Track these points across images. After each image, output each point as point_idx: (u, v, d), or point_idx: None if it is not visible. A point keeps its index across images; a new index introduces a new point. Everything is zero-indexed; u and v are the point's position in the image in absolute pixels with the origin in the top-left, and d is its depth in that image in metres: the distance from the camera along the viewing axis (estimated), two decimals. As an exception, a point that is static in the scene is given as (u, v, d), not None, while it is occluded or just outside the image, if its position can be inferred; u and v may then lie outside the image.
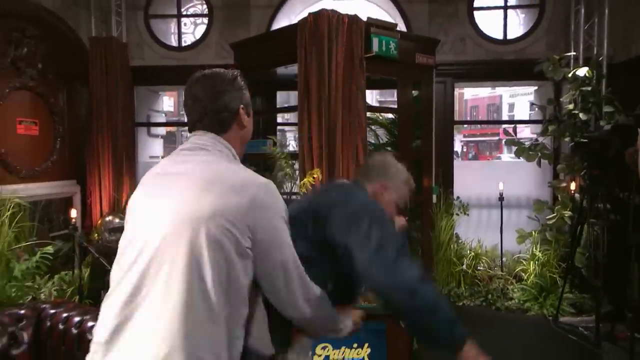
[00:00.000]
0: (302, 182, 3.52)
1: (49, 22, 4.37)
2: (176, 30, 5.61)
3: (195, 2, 5.85)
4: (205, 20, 5.48)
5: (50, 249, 3.46)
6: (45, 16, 4.32)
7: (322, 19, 3.46)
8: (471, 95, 24.79)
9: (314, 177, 3.49)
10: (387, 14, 5.36)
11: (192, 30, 6.19)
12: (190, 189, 1.19)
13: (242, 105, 1.34)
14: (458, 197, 4.80)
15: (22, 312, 2.37)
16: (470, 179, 5.18)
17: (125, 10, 5.21)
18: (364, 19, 3.67)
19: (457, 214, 4.76)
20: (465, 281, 4.56)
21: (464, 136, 24.20)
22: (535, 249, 4.47)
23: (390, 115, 4.88)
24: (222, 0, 5.32)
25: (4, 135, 3.97)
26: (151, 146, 6.16)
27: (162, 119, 6.77)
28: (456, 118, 23.02)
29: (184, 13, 5.74)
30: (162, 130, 6.54)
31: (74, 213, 3.65)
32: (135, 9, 5.37)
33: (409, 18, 5.08)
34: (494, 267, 4.71)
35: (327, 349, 2.30)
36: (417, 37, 4.52)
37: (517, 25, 5.36)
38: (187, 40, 5.74)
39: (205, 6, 5.43)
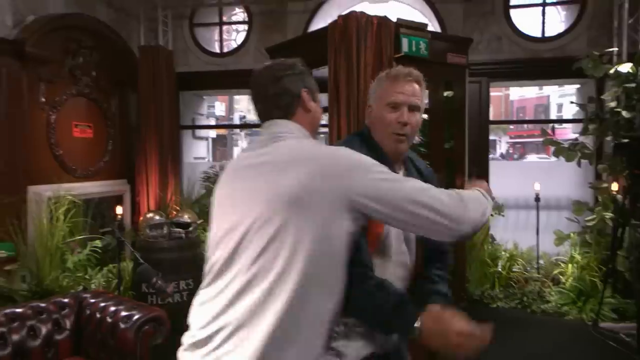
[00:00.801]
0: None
1: (102, 33, 4.59)
2: (219, 38, 5.75)
3: (238, 10, 5.97)
4: (246, 27, 5.57)
5: (98, 243, 3.63)
6: (98, 28, 4.55)
7: (351, 20, 3.43)
8: (518, 96, 23.84)
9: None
10: (422, 15, 5.24)
11: (235, 37, 6.32)
12: (273, 172, 1.13)
13: (304, 89, 1.27)
14: (493, 198, 4.61)
15: (66, 300, 2.50)
16: (507, 180, 4.97)
17: (172, 20, 5.40)
18: (395, 20, 3.60)
19: (492, 215, 4.58)
20: (500, 283, 4.38)
21: (510, 137, 23.31)
22: (575, 251, 4.22)
23: (425, 116, 4.75)
24: (261, 7, 5.39)
25: (62, 138, 4.21)
26: (197, 148, 6.34)
27: (209, 121, 6.95)
28: (500, 118, 22.23)
29: (226, 21, 5.87)
30: (207, 133, 6.72)
31: (119, 210, 3.82)
32: (181, 18, 5.55)
33: (443, 18, 4.95)
34: (530, 269, 4.49)
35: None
36: (448, 37, 4.39)
37: (558, 22, 5.09)
38: (231, 46, 5.87)
39: (246, 14, 5.53)
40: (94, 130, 4.61)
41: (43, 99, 4.01)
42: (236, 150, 18.79)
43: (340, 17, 3.51)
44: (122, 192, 4.97)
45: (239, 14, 5.96)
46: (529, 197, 4.80)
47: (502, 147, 23.29)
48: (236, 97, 16.36)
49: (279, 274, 1.04)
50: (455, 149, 4.21)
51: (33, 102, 3.92)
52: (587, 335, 3.69)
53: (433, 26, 5.00)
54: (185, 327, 1.18)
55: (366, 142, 1.39)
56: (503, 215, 4.64)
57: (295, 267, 1.04)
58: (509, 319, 4.06)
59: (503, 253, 4.42)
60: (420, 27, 3.71)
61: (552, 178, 4.84)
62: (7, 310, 2.30)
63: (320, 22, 5.35)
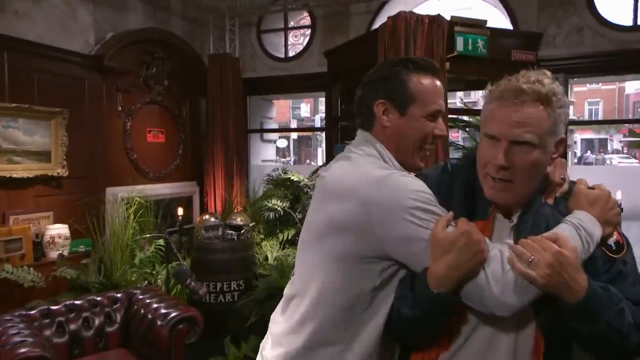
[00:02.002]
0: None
1: (174, 45, 4.92)
2: (284, 42, 5.89)
3: (305, 14, 6.06)
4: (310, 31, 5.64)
5: (161, 241, 3.91)
6: (170, 39, 4.89)
7: (399, 21, 3.33)
8: (634, 90, 21.44)
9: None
10: (494, 8, 4.92)
11: (302, 41, 6.43)
12: (315, 199, 1.15)
13: (380, 100, 1.11)
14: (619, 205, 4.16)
15: (119, 295, 2.72)
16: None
17: (240, 27, 5.63)
18: (449, 18, 3.43)
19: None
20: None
21: (624, 136, 21.07)
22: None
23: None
24: (324, 11, 5.43)
25: (137, 143, 4.59)
26: (265, 151, 6.55)
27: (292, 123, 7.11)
28: (613, 114, 20.01)
29: (292, 26, 5.99)
30: (274, 136, 6.91)
31: (180, 211, 4.08)
32: (249, 25, 5.77)
33: (514, 10, 4.59)
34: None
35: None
36: (514, 33, 4.08)
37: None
38: (297, 50, 5.98)
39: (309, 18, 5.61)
40: (166, 135, 4.96)
41: (120, 108, 4.40)
42: (320, 152, 19.12)
43: (389, 18, 3.42)
44: (192, 193, 5.30)
45: (307, 19, 6.06)
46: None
47: (614, 145, 21.26)
48: (321, 98, 16.66)
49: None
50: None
51: (111, 111, 4.32)
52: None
53: (503, 20, 4.68)
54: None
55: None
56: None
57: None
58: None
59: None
60: (478, 24, 3.50)
61: (635, 184, 4.30)
62: (67, 302, 2.57)
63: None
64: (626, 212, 4.16)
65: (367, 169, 1.04)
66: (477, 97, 10.47)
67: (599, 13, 4.39)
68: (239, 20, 5.60)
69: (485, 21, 3.56)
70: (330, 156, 4.89)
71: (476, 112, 4.75)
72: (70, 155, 3.83)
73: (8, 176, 3.40)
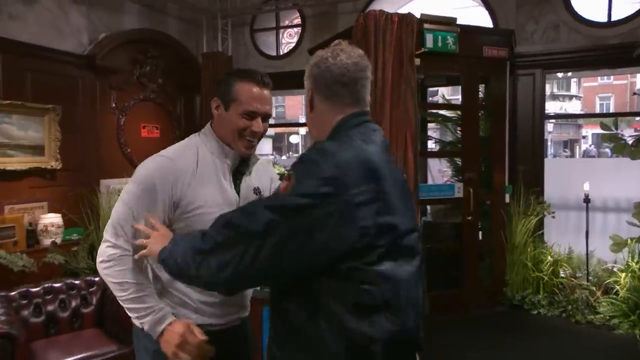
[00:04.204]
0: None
1: (167, 44, 4.97)
2: (280, 41, 5.91)
3: (297, 13, 6.06)
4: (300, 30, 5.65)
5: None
6: (163, 39, 4.94)
7: (369, 19, 3.33)
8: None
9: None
10: (476, 4, 4.87)
11: (295, 40, 6.43)
12: None
13: (214, 98, 1.38)
14: (536, 196, 4.13)
15: (96, 279, 2.79)
16: (562, 179, 4.45)
17: (234, 27, 5.66)
18: (418, 16, 3.42)
19: (544, 215, 4.14)
20: (544, 288, 3.96)
21: (635, 130, 20.60)
22: (632, 259, 3.66)
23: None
24: (313, 10, 5.43)
25: (130, 138, 4.66)
26: (261, 145, 6.57)
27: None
28: (624, 108, 19.35)
29: (285, 25, 6.00)
30: (271, 132, 6.94)
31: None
32: (243, 25, 5.80)
33: (494, 9, 4.54)
34: (579, 276, 3.99)
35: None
36: (485, 30, 4.04)
37: (627, 3, 4.41)
38: (289, 48, 6.00)
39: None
40: (160, 131, 5.02)
41: (114, 104, 4.47)
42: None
43: (361, 15, 3.42)
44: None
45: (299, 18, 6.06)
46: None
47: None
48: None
49: None
50: (494, 147, 3.89)
51: (105, 107, 4.39)
52: (637, 354, 3.20)
53: (484, 17, 4.63)
54: None
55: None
56: (553, 217, 4.17)
57: None
58: (550, 327, 3.66)
59: (549, 257, 3.97)
60: (447, 22, 3.48)
61: (614, 177, 4.23)
62: (46, 285, 2.65)
63: (369, 20, 5.25)
64: (603, 203, 4.13)
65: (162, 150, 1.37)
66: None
67: (574, 10, 4.32)
68: (233, 20, 5.64)
69: (455, 19, 3.54)
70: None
71: (454, 107, 4.73)
72: (64, 149, 3.91)
73: (2, 168, 3.49)
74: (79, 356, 2.34)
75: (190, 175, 1.30)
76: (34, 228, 3.66)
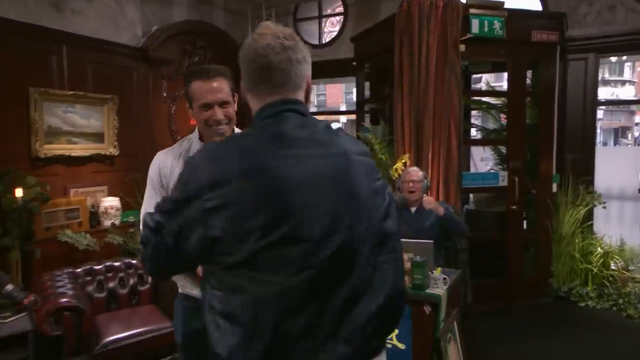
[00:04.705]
0: (393, 167, 3.43)
1: (214, 35, 5.08)
2: (322, 30, 5.89)
3: (339, 2, 6.01)
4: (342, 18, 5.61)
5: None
6: (210, 30, 5.05)
7: (413, 5, 3.27)
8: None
9: (403, 163, 3.36)
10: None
11: (338, 28, 6.38)
12: None
13: (187, 99, 1.53)
14: (586, 186, 3.94)
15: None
16: (615, 168, 4.22)
17: (278, 17, 5.69)
18: (464, 0, 3.31)
19: (594, 205, 3.95)
20: (594, 281, 3.80)
21: None
22: (690, 253, 3.45)
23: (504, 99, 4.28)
24: (356, -3, 5.37)
25: (180, 125, 4.83)
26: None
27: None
28: None
29: (328, 13, 5.96)
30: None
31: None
32: (286, 14, 5.82)
33: (544, -10, 4.32)
34: (631, 269, 3.79)
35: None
36: (534, 13, 3.85)
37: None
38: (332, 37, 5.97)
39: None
40: (208, 119, 5.16)
41: (165, 94, 4.64)
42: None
43: (404, 2, 3.35)
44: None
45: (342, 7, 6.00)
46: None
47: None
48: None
49: None
50: (541, 135, 3.74)
51: (157, 97, 4.57)
52: (692, 351, 3.03)
53: (534, 1, 4.41)
54: None
55: None
56: (604, 207, 3.97)
57: None
58: (600, 320, 3.53)
59: (599, 249, 3.80)
60: (494, 6, 3.35)
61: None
62: (107, 263, 2.82)
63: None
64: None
65: None
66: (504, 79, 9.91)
67: (634, -11, 4.03)
68: (277, 10, 5.66)
69: (503, 2, 3.39)
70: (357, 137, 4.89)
71: (499, 94, 4.56)
72: (120, 136, 4.12)
73: (67, 154, 3.72)
74: (138, 330, 2.50)
75: (177, 165, 1.48)
76: (95, 210, 3.90)
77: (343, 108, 19.93)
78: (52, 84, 3.61)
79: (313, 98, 6.94)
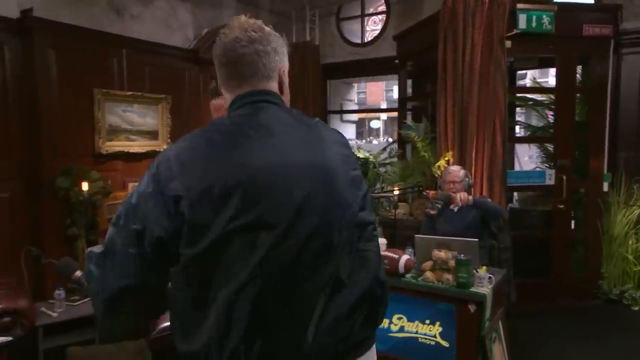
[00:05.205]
0: (436, 164, 3.39)
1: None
2: (365, 29, 5.89)
3: (382, 1, 5.98)
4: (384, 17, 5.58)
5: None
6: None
7: (458, 2, 3.20)
8: None
9: (446, 160, 3.32)
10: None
11: (380, 27, 6.35)
12: None
13: None
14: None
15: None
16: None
17: (321, 17, 5.74)
18: (512, -4, 3.22)
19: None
20: (647, 284, 3.60)
21: None
22: None
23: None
24: (399, -4, 5.32)
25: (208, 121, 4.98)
26: (344, 130, 6.68)
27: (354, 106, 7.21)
28: None
29: (370, 12, 5.95)
30: (354, 117, 7.00)
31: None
32: (329, 14, 5.86)
33: (597, -17, 4.11)
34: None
35: (402, 319, 2.27)
36: (585, 7, 3.68)
37: None
38: (374, 36, 5.95)
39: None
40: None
41: (214, 94, 4.80)
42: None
43: (449, -1, 3.30)
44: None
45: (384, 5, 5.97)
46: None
47: None
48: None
49: None
50: (591, 132, 3.58)
51: (207, 96, 4.71)
52: None
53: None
54: None
55: None
56: (660, 208, 3.74)
57: None
58: (653, 326, 3.34)
59: (654, 251, 3.59)
60: (543, 0, 3.23)
61: None
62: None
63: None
64: None
65: None
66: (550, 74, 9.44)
67: (697, -22, 3.77)
68: (321, 10, 5.71)
69: (552, -4, 3.27)
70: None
71: (547, 90, 4.39)
72: (173, 134, 4.31)
73: (126, 151, 3.94)
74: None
75: None
76: (150, 203, 4.11)
77: (384, 106, 19.77)
78: (112, 85, 3.83)
79: (353, 96, 6.95)
